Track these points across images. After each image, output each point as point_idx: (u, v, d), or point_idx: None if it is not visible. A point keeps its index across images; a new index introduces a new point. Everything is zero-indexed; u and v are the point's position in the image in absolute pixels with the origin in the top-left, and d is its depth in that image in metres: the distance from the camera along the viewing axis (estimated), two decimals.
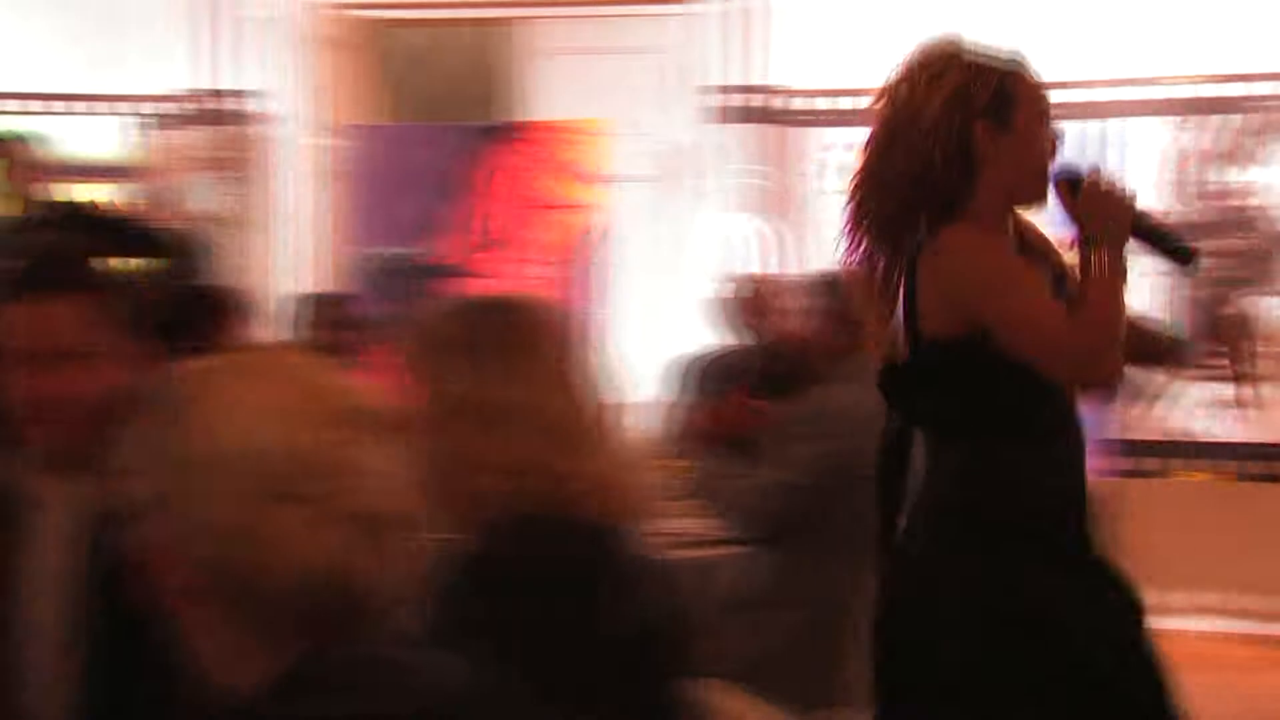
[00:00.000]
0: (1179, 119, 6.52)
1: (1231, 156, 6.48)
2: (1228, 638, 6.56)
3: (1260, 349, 6.43)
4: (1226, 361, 6.46)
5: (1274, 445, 6.40)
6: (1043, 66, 7.05)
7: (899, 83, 2.57)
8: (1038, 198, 2.57)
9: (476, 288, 6.28)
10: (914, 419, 2.65)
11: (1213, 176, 6.50)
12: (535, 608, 1.80)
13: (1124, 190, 2.50)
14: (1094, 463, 6.48)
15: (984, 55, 2.59)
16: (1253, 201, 6.45)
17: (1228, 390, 6.47)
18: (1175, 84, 6.51)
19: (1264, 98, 6.44)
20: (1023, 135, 2.52)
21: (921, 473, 2.63)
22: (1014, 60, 2.59)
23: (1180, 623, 6.70)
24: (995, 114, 2.51)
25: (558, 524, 1.86)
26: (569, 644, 1.80)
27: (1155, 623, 6.90)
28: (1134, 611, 2.62)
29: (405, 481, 1.36)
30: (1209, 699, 5.80)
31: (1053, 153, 2.56)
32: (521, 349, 1.96)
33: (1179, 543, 6.49)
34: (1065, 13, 6.71)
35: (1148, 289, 6.53)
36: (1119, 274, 2.44)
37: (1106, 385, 2.50)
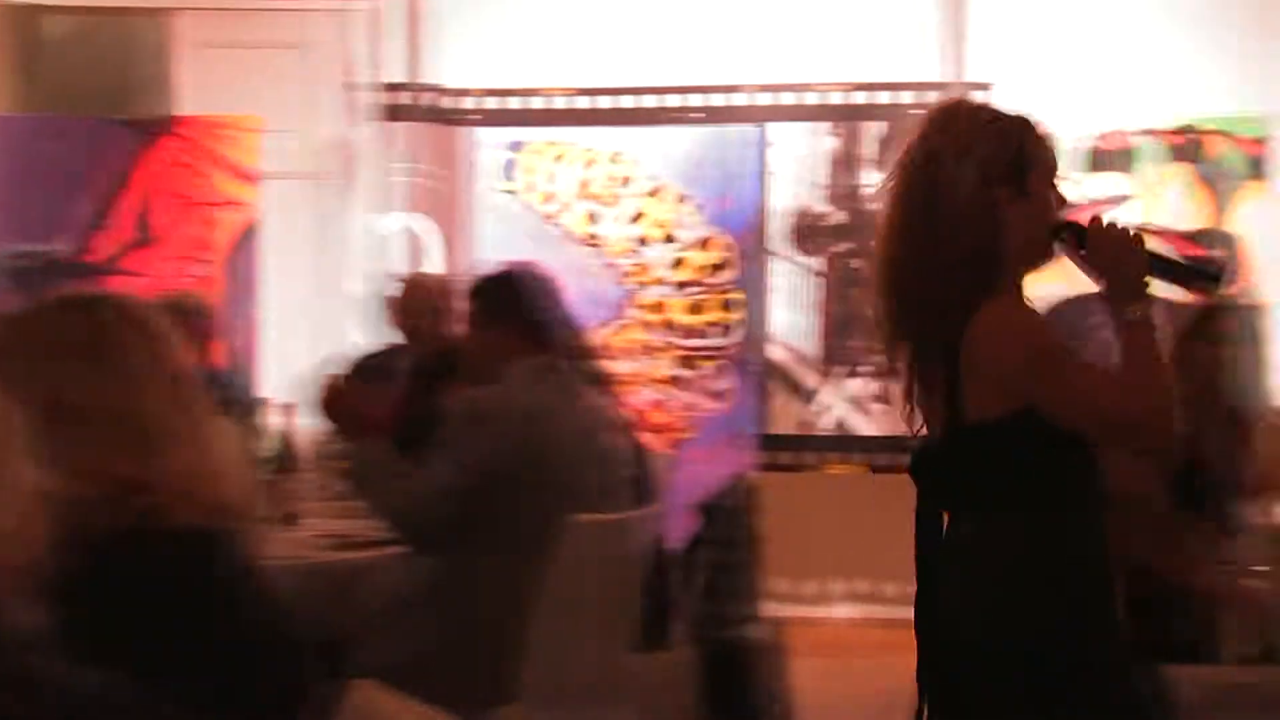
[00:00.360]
0: (826, 125, 6.75)
1: (876, 162, 6.75)
2: (869, 622, 6.84)
3: None
4: (872, 358, 6.72)
5: (910, 437, 6.68)
6: (694, 71, 7.21)
7: (924, 160, 2.47)
8: (1047, 257, 2.52)
9: (125, 286, 6.04)
10: (950, 502, 2.54)
11: (864, 180, 6.76)
12: (130, 617, 1.75)
13: (1130, 231, 2.44)
14: (741, 457, 6.68)
15: (1000, 115, 2.52)
16: None
17: (872, 385, 6.74)
18: (822, 91, 6.74)
19: (908, 105, 6.73)
20: (1036, 198, 2.47)
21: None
22: (1024, 118, 2.52)
23: (826, 610, 6.97)
24: (1013, 179, 2.45)
25: (147, 531, 1.80)
26: (174, 652, 1.75)
27: (803, 611, 7.15)
28: None
29: (10, 492, 1.29)
30: (852, 681, 6.08)
31: (1060, 210, 2.51)
32: (104, 349, 1.89)
33: (824, 533, 6.74)
34: (716, 18, 6.88)
35: (788, 290, 6.76)
36: (1150, 326, 2.37)
37: (1164, 445, 2.45)
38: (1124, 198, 6.60)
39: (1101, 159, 6.62)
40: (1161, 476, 4.00)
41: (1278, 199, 6.51)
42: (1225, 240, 6.56)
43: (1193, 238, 6.57)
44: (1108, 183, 6.61)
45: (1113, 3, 6.78)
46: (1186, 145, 6.57)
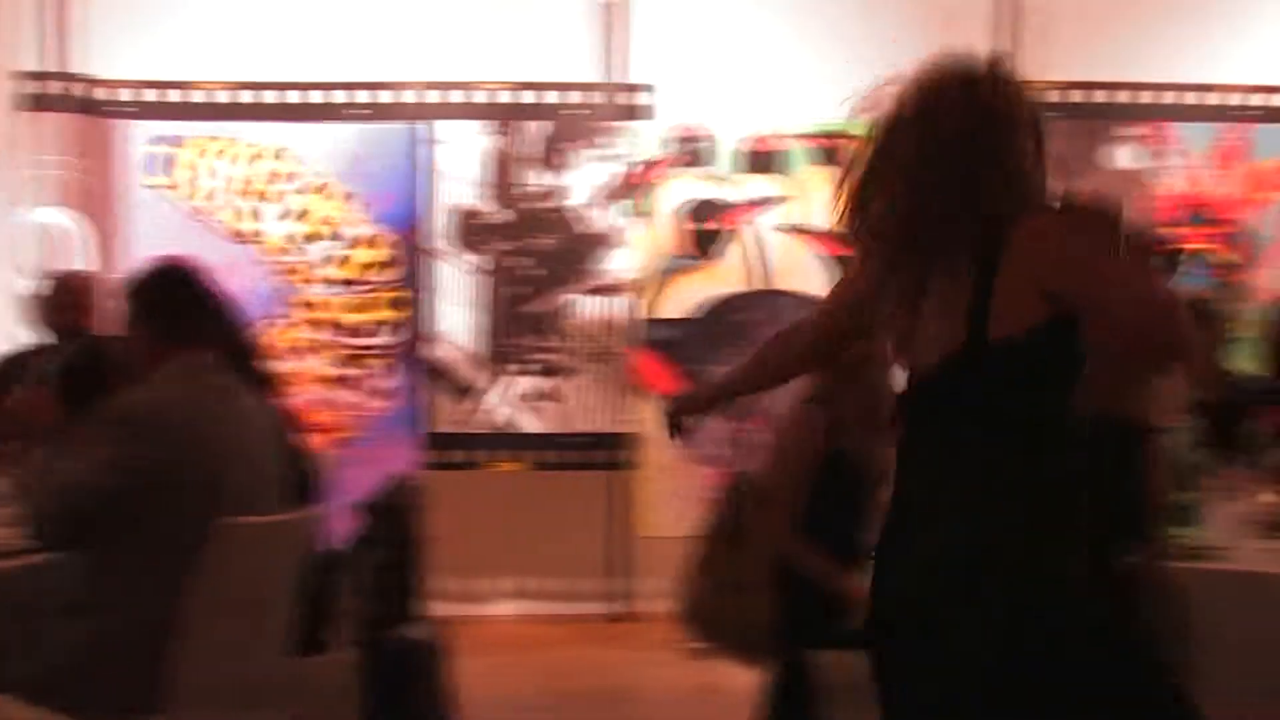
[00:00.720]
0: (492, 123, 6.78)
1: (540, 161, 6.81)
2: (535, 618, 6.91)
3: (565, 344, 6.80)
4: (536, 356, 6.79)
5: (574, 435, 6.80)
6: (359, 67, 7.10)
7: (962, 83, 2.56)
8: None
9: None
10: (960, 421, 2.57)
11: (523, 179, 6.81)
12: None
13: (1109, 202, 2.56)
14: (406, 456, 6.64)
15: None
16: (559, 204, 6.81)
17: (536, 384, 6.80)
18: (488, 89, 6.77)
19: (568, 106, 6.81)
20: (1043, 153, 2.60)
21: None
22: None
23: (492, 608, 7.01)
24: (1033, 128, 2.59)
25: None
26: None
27: (469, 609, 7.18)
28: None
29: None
30: (518, 675, 6.13)
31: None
32: None
33: (490, 531, 6.77)
34: (382, 14, 6.84)
35: (455, 288, 6.78)
36: (1141, 259, 2.56)
37: (1185, 351, 2.47)
38: (775, 199, 6.83)
39: (755, 161, 6.83)
40: (807, 477, 4.17)
41: None
42: None
43: (837, 237, 6.84)
44: (759, 184, 6.82)
45: (764, 10, 7.00)
46: (831, 149, 6.84)
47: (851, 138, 6.96)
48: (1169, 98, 6.94)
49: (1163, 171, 6.83)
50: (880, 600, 2.64)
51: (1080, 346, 2.54)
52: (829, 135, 6.82)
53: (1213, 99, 6.96)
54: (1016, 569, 2.51)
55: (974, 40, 6.95)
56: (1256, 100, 6.98)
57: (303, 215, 6.68)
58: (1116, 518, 3.71)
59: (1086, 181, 6.83)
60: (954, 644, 2.52)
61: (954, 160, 2.54)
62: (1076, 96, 6.93)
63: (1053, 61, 7.01)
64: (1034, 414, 2.55)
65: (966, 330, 2.51)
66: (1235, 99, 6.98)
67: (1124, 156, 6.96)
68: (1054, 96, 6.90)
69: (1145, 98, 6.94)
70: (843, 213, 2.65)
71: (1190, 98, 6.94)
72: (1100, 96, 6.94)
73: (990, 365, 2.52)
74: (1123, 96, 6.93)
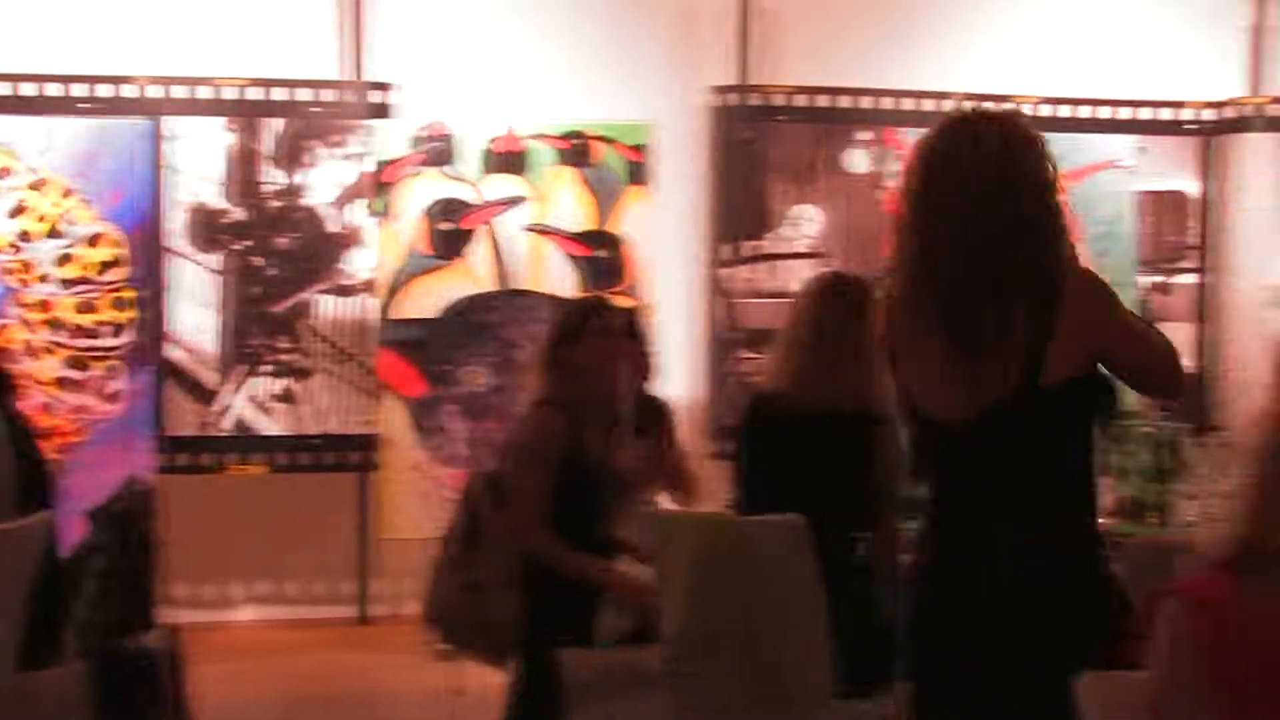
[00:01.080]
0: (224, 120, 6.64)
1: (281, 159, 6.69)
2: (278, 623, 6.81)
3: (305, 345, 6.71)
4: (276, 357, 6.68)
5: (314, 437, 6.71)
6: (82, 59, 6.86)
7: (1021, 145, 2.73)
8: None
9: None
10: (1014, 463, 2.70)
11: (265, 177, 6.69)
12: None
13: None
14: (137, 460, 6.47)
15: None
16: (302, 202, 6.71)
17: (276, 385, 6.69)
18: (219, 85, 6.62)
19: (308, 103, 6.71)
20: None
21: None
22: None
23: (237, 613, 6.88)
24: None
25: None
26: None
27: (204, 615, 7.02)
28: None
29: None
30: (259, 681, 6.05)
31: None
32: None
33: (226, 536, 6.65)
34: (108, 5, 6.65)
35: (187, 288, 6.62)
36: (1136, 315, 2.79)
37: (1181, 391, 2.84)
38: (519, 199, 6.84)
39: (499, 161, 6.84)
40: (546, 476, 4.19)
41: (656, 204, 6.94)
42: (610, 241, 6.93)
43: (581, 238, 6.90)
44: (503, 185, 6.83)
45: (507, 10, 7.02)
46: (574, 150, 6.89)
47: (592, 138, 7.05)
48: (888, 103, 7.15)
49: (890, 176, 7.04)
50: (931, 638, 2.83)
51: (1113, 390, 2.76)
52: (572, 135, 6.87)
53: (929, 105, 7.19)
54: (1067, 610, 2.71)
55: (706, 42, 7.17)
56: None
57: (21, 212, 6.45)
58: (852, 506, 3.84)
59: (822, 184, 7.02)
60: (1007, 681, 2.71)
61: (1007, 219, 2.69)
62: (802, 100, 7.10)
63: (783, 65, 7.19)
64: (1076, 457, 2.77)
65: (1020, 376, 2.67)
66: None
67: (860, 160, 7.16)
68: (780, 100, 7.07)
69: (866, 103, 7.14)
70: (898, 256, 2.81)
71: (909, 103, 7.16)
72: (824, 101, 7.12)
73: (1040, 410, 2.69)
74: (844, 101, 7.12)
